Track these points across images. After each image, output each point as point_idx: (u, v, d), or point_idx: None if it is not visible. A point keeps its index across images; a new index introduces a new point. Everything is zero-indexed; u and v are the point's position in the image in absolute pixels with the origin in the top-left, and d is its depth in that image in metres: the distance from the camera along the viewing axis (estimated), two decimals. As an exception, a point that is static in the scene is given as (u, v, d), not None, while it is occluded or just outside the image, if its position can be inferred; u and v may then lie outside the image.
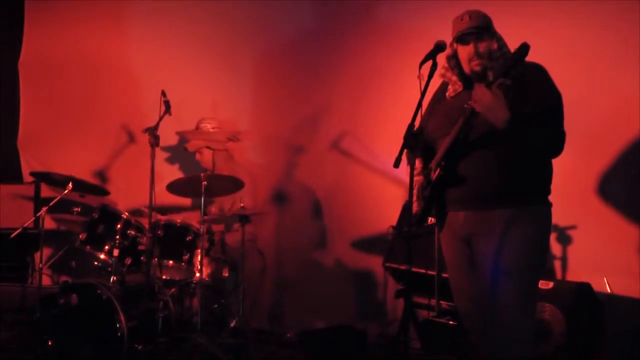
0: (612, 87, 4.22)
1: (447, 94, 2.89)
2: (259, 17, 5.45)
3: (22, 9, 5.95)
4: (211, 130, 4.87)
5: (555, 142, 2.68)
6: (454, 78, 2.85)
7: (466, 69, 2.78)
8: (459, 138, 2.68)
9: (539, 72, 2.71)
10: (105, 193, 4.75)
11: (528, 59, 2.55)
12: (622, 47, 4.20)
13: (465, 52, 2.75)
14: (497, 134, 2.60)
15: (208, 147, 4.84)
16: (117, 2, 5.77)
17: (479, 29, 2.71)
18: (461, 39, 2.74)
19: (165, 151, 5.48)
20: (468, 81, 2.82)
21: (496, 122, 2.57)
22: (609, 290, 4.02)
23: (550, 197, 2.77)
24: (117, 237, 4.06)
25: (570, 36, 4.32)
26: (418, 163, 2.91)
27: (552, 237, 4.25)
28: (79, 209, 4.53)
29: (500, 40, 2.75)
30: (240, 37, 5.48)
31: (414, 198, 2.89)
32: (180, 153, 5.38)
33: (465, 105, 2.65)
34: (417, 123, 2.65)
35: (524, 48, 2.52)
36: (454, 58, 2.82)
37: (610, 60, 4.25)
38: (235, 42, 5.50)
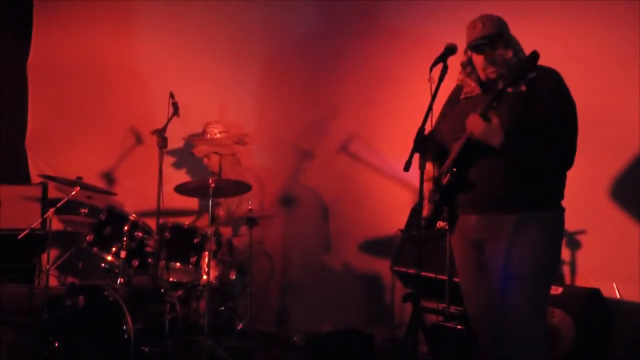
0: (623, 91, 4.18)
1: (461, 96, 2.87)
2: (267, 20, 5.44)
3: (30, 10, 5.95)
4: (218, 135, 4.96)
5: (563, 157, 2.66)
6: (473, 83, 2.83)
7: (482, 76, 2.78)
8: (468, 144, 2.67)
9: (553, 79, 2.67)
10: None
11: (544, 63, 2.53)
12: (629, 49, 4.17)
13: (479, 60, 2.75)
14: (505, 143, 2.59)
15: (215, 153, 4.96)
16: (125, 5, 5.78)
17: (490, 37, 2.70)
18: (474, 47, 2.74)
19: (172, 155, 5.48)
20: (485, 85, 2.80)
21: (492, 145, 2.59)
22: (618, 296, 3.99)
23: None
24: (124, 238, 4.05)
25: (578, 39, 4.29)
26: (429, 166, 2.89)
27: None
28: (86, 211, 4.53)
29: (515, 45, 2.74)
30: (249, 40, 5.47)
31: (425, 202, 2.87)
32: (187, 156, 5.38)
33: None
34: (427, 127, 2.64)
35: (534, 56, 2.50)
36: (469, 64, 2.82)
37: (619, 64, 4.22)
38: (243, 45, 5.49)
